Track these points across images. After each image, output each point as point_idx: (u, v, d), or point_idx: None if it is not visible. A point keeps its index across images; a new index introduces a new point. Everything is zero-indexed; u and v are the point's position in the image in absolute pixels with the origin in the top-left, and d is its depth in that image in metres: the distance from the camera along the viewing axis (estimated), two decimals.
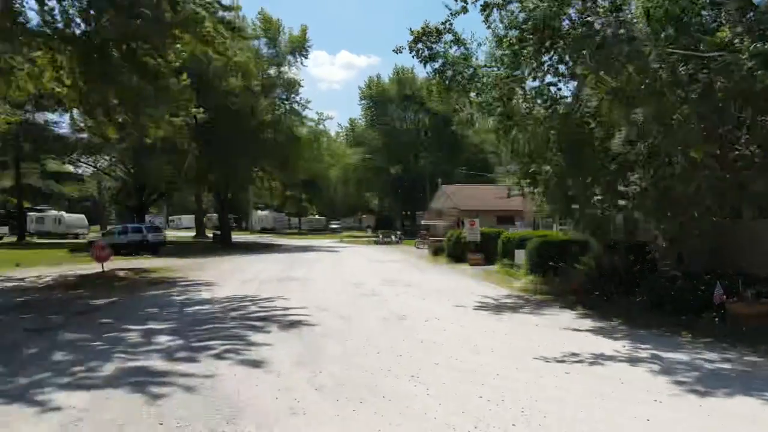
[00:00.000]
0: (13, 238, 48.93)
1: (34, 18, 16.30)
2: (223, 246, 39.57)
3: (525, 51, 11.64)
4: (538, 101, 13.29)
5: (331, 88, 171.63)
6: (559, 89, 12.84)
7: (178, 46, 17.58)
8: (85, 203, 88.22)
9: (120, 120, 18.46)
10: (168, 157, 33.43)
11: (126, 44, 15.19)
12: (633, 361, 7.34)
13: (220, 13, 16.89)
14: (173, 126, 20.05)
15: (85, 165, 53.40)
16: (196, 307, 11.75)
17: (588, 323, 10.13)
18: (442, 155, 66.41)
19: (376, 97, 66.07)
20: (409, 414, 5.27)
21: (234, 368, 6.81)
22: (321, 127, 44.84)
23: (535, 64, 11.90)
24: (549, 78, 13.05)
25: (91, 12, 15.17)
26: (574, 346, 8.15)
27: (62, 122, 43.15)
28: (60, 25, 15.72)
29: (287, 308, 11.51)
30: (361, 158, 67.32)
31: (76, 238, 51.27)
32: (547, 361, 7.29)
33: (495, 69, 14.58)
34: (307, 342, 8.35)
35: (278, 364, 7.03)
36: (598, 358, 7.45)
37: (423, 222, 45.60)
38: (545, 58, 11.89)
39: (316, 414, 5.28)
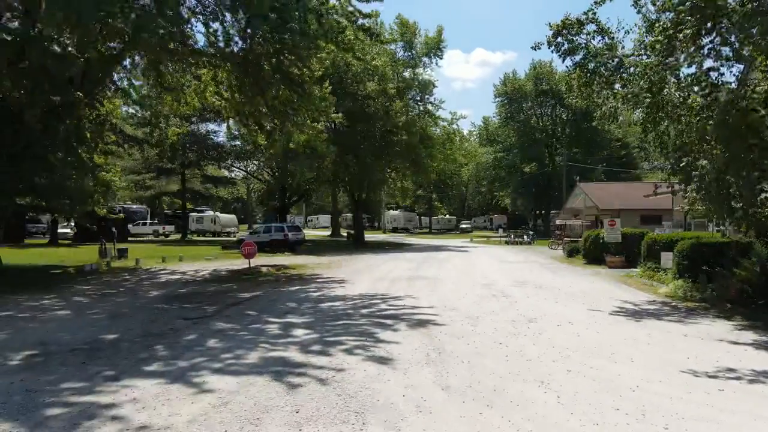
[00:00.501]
0: (178, 236, 55.39)
1: (200, 39, 18.33)
2: (356, 245, 41.18)
3: (681, 35, 10.57)
4: (695, 89, 12.03)
5: (465, 87, 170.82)
6: (722, 74, 11.52)
7: (322, 55, 18.67)
8: (236, 204, 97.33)
9: (268, 127, 20.09)
10: (308, 160, 35.64)
11: (276, 57, 16.44)
12: None
13: (360, 20, 17.61)
14: (314, 130, 21.32)
15: (237, 170, 58.89)
16: (330, 303, 12.35)
17: (749, 336, 8.96)
18: (580, 152, 62.93)
19: (511, 94, 64.25)
20: (538, 421, 5.06)
21: (363, 363, 7.04)
22: (454, 126, 44.71)
23: (692, 48, 10.75)
24: (709, 63, 11.78)
25: (248, 30, 16.66)
26: (731, 361, 7.27)
27: (220, 131, 48.00)
28: (221, 44, 17.51)
29: (416, 307, 11.66)
30: (493, 157, 66.04)
31: (228, 236, 56.72)
32: (697, 376, 6.59)
33: (644, 57, 13.49)
34: (435, 341, 8.37)
35: (405, 362, 7.14)
36: (761, 376, 6.57)
37: (557, 222, 43.50)
38: (705, 40, 10.71)
39: (442, 414, 5.27)
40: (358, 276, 18.53)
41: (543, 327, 9.53)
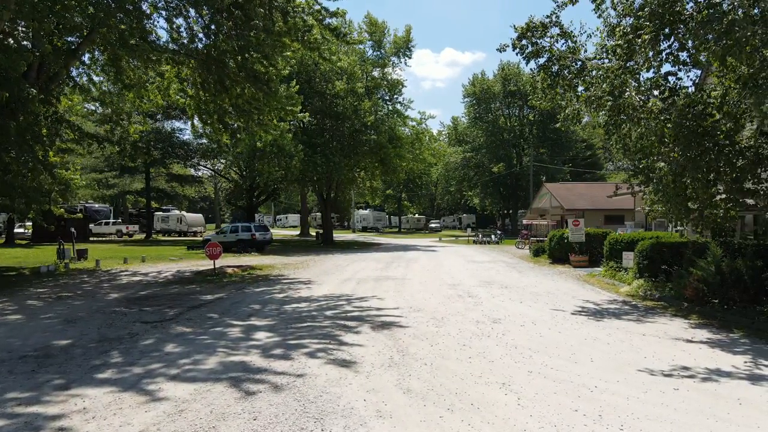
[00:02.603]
0: (142, 236, 54.11)
1: (163, 35, 17.88)
2: (324, 244, 40.95)
3: (640, 39, 10.80)
4: (654, 93, 12.33)
5: (435, 86, 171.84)
6: (679, 79, 11.84)
7: (288, 53, 18.41)
8: (204, 203, 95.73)
9: (235, 126, 19.75)
10: (276, 159, 35.21)
11: (240, 54, 16.14)
12: (755, 379, 6.56)
13: (327, 20, 17.42)
14: (280, 130, 21.08)
15: (203, 168, 57.87)
16: (294, 305, 12.19)
17: (703, 334, 9.20)
18: (547, 152, 64.00)
19: (479, 95, 64.83)
20: (498, 424, 5.05)
21: (325, 367, 6.95)
22: (423, 126, 44.84)
23: (651, 53, 11.00)
24: (667, 67, 12.06)
25: (212, 27, 16.32)
26: (686, 359, 7.45)
27: (186, 129, 47.07)
28: (185, 41, 17.10)
29: (381, 309, 11.61)
30: (462, 157, 66.58)
31: (195, 236, 55.68)
32: (653, 374, 6.72)
33: (605, 61, 13.74)
34: (399, 344, 8.33)
35: (368, 365, 7.08)
36: (713, 374, 6.74)
37: (524, 221, 44.13)
38: (663, 45, 10.96)
39: (403, 418, 5.22)
40: (325, 277, 18.38)
41: (507, 328, 9.60)
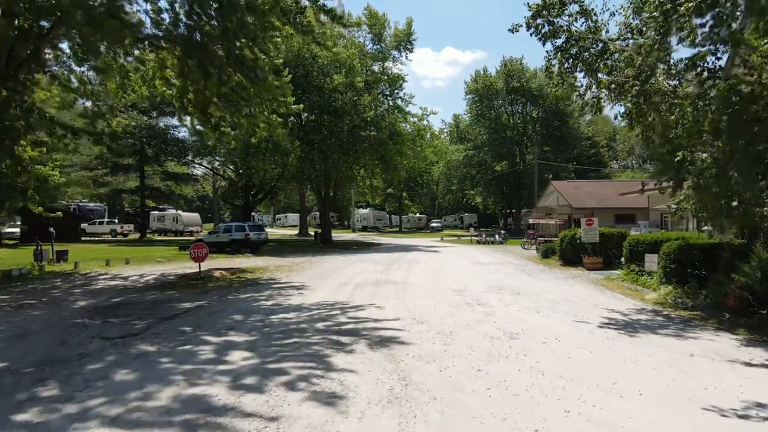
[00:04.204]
0: (137, 235, 52.67)
1: (146, 22, 16.43)
2: (323, 245, 39.53)
3: (683, 7, 9.32)
4: (688, 76, 10.86)
5: (435, 85, 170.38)
6: (719, 58, 10.34)
7: (278, 39, 16.95)
8: (203, 203, 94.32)
9: (217, 118, 18.26)
10: (272, 156, 33.75)
11: (226, 39, 14.69)
12: None
13: (322, 1, 15.97)
14: (272, 122, 19.60)
15: (199, 166, 56.43)
16: (282, 315, 10.75)
17: (762, 354, 7.74)
18: (551, 150, 62.51)
19: (481, 91, 63.22)
20: None
21: (307, 406, 5.50)
22: (425, 122, 43.32)
23: (697, 20, 9.49)
24: (703, 48, 10.59)
25: (195, 7, 14.86)
26: (756, 391, 6.02)
27: (180, 126, 45.62)
28: (169, 26, 15.64)
29: (379, 320, 10.18)
30: (464, 155, 65.15)
31: (191, 236, 54.18)
32: (725, 415, 5.28)
33: (630, 42, 12.31)
34: (400, 367, 6.90)
35: (361, 400, 5.65)
36: None
37: (530, 221, 42.64)
38: (706, 17, 9.47)
39: None
40: (320, 281, 16.94)
41: (527, 345, 8.15)
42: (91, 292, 14.49)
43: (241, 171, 45.13)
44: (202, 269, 17.66)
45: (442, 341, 8.42)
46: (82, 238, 47.39)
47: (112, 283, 16.44)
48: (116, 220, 59.66)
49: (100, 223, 54.62)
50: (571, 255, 21.51)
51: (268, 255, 28.86)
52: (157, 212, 62.05)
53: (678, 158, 10.56)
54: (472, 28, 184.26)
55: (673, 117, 10.72)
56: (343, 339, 8.54)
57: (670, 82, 11.89)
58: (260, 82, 15.15)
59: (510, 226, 67.71)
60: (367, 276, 18.06)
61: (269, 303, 12.47)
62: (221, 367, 6.93)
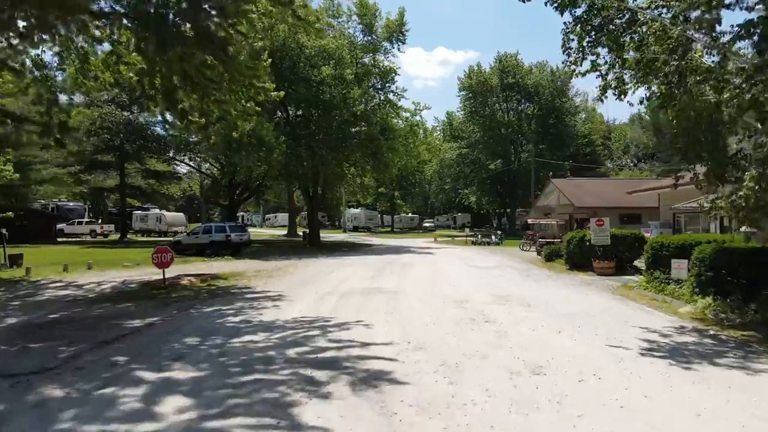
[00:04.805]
0: (118, 236, 50.33)
1: None
2: (310, 246, 37.49)
3: None
4: (738, 45, 9.02)
5: (427, 85, 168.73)
6: None
7: (254, 15, 14.95)
8: (193, 202, 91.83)
9: (185, 105, 16.21)
10: (256, 152, 31.62)
11: (188, 7, 12.67)
12: None
13: None
14: (246, 111, 17.57)
15: (181, 163, 54.18)
16: (248, 338, 8.75)
17: None
18: (546, 148, 60.73)
19: (476, 88, 61.23)
20: None
21: None
22: (417, 118, 41.24)
23: None
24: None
25: None
26: None
27: (153, 116, 43.18)
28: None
29: (367, 344, 8.20)
30: (458, 153, 63.25)
31: (175, 236, 51.89)
32: None
33: (663, 11, 10.46)
34: (393, 425, 4.96)
35: None
36: None
37: (528, 221, 40.81)
38: None
39: None
40: (302, 289, 14.94)
41: (559, 385, 6.21)
42: (31, 305, 12.39)
43: (225, 169, 43.03)
44: (169, 276, 15.62)
45: (447, 378, 6.47)
46: (59, 239, 45.07)
47: (62, 293, 14.34)
48: (99, 220, 57.35)
49: (79, 223, 52.31)
50: (580, 258, 19.63)
51: (250, 258, 26.81)
52: (139, 212, 59.70)
53: (732, 149, 8.68)
54: (465, 27, 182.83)
55: (723, 96, 8.83)
56: (319, 375, 6.57)
57: (712, 59, 10.12)
58: (228, 60, 13.11)
59: (504, 226, 65.97)
60: (355, 283, 16.09)
61: (236, 319, 10.46)
62: (141, 428, 4.93)
